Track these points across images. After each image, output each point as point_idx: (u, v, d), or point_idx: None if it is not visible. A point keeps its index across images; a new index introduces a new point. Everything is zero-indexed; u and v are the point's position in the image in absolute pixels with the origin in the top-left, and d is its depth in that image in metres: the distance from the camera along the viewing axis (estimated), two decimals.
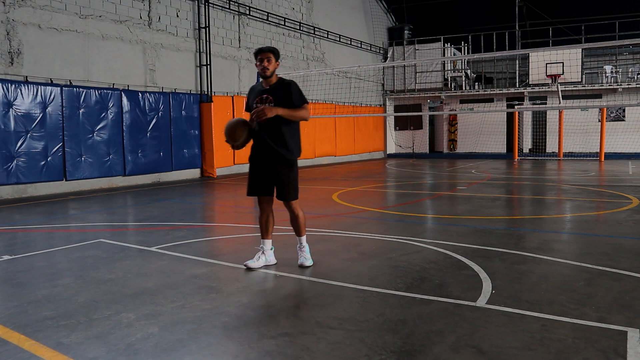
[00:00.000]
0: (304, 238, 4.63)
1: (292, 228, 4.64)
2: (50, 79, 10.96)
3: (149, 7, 13.14)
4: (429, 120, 24.62)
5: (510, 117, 21.95)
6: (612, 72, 20.55)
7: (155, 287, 4.00)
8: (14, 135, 10.18)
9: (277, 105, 4.30)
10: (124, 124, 12.33)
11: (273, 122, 4.30)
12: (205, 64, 14.54)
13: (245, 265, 4.48)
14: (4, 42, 10.19)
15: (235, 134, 4.31)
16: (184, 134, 13.95)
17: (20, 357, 2.79)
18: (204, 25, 14.51)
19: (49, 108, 10.76)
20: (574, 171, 14.88)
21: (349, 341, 2.92)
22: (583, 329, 3.03)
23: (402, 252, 5.10)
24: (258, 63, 4.40)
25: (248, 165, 4.60)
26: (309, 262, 4.55)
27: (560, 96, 14.68)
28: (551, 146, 21.91)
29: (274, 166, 4.41)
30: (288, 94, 4.36)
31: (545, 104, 21.75)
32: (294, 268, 4.52)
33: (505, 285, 3.91)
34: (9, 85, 10.10)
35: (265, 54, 4.38)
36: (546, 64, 19.74)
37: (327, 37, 20.23)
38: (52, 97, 10.81)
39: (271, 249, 4.63)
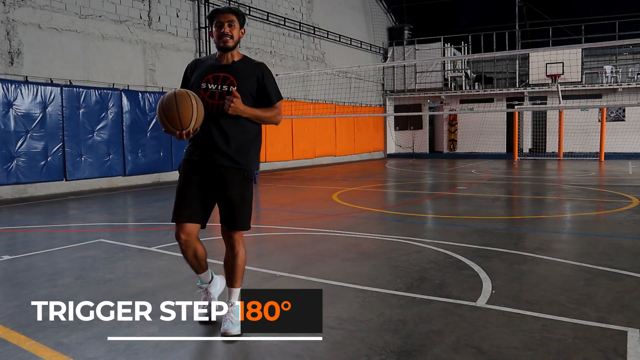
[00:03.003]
0: (237, 291, 3.15)
1: (228, 266, 3.21)
2: (50, 79, 10.96)
3: (149, 7, 13.14)
4: (429, 120, 24.62)
5: (510, 117, 21.94)
6: (612, 72, 20.55)
7: (155, 287, 4.00)
8: (14, 135, 10.18)
9: (241, 91, 3.01)
10: (124, 124, 12.32)
11: (233, 115, 3.00)
12: None
13: (201, 321, 3.25)
14: (4, 42, 10.19)
15: (183, 114, 2.80)
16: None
17: (20, 357, 2.79)
18: (204, 25, 14.51)
19: (49, 108, 10.76)
20: (574, 171, 14.88)
21: (349, 341, 2.92)
22: (583, 329, 3.03)
23: (402, 252, 5.10)
24: (215, 29, 3.07)
25: (179, 174, 3.21)
26: (236, 329, 3.01)
27: (560, 96, 14.72)
28: (551, 146, 21.90)
29: (224, 179, 3.04)
30: (261, 85, 3.10)
31: (545, 104, 21.74)
32: (293, 268, 4.52)
33: (505, 285, 3.90)
34: (9, 85, 10.09)
35: (227, 16, 3.05)
36: (546, 64, 19.73)
37: (327, 37, 20.22)
38: (52, 97, 10.81)
39: (211, 280, 3.34)
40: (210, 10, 14.49)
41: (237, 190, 3.06)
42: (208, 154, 3.05)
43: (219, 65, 3.12)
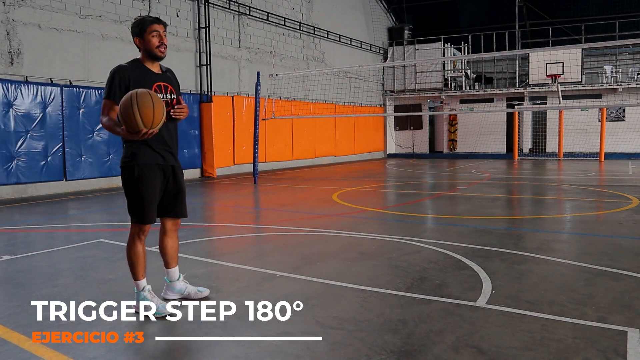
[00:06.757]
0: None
1: (169, 255, 3.62)
2: (50, 79, 10.95)
3: (149, 7, 13.13)
4: (429, 120, 24.62)
5: (510, 117, 21.95)
6: (612, 72, 20.54)
7: (156, 287, 3.99)
8: (14, 135, 10.17)
9: (176, 97, 3.47)
10: None
11: (174, 122, 3.46)
12: (205, 64, 14.54)
13: (159, 316, 3.32)
14: (4, 42, 10.19)
15: (157, 110, 2.98)
16: (184, 134, 13.94)
17: (20, 357, 2.79)
18: (204, 25, 14.51)
19: (49, 108, 10.76)
20: (574, 171, 14.88)
21: (349, 341, 2.92)
22: (583, 329, 3.03)
23: (402, 252, 5.10)
24: (152, 38, 3.29)
25: (138, 178, 3.28)
26: (205, 291, 3.72)
27: (560, 96, 14.71)
28: (551, 146, 21.91)
29: (177, 177, 3.48)
30: (177, 87, 3.55)
31: (545, 104, 21.74)
32: (293, 268, 4.52)
33: (505, 285, 3.90)
34: (9, 85, 10.09)
35: (161, 27, 3.33)
36: (546, 64, 19.73)
37: (327, 37, 20.22)
38: (52, 97, 10.81)
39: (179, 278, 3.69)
40: (208, 10, 14.53)
41: (184, 184, 3.57)
42: (167, 157, 3.40)
43: (156, 74, 3.39)
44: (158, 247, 3.64)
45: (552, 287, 3.88)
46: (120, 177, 3.40)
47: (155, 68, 3.40)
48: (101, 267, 4.68)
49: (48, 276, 4.40)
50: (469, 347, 2.81)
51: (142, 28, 3.29)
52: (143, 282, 3.40)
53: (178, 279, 3.66)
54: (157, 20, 3.34)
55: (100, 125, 11.74)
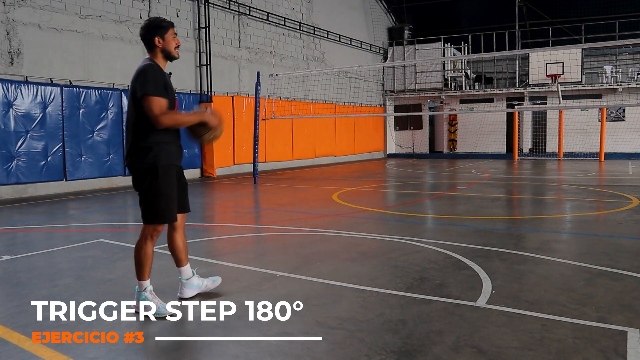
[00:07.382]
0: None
1: (181, 252, 3.66)
2: (50, 79, 10.95)
3: (149, 7, 13.14)
4: (429, 120, 24.62)
5: (510, 117, 21.95)
6: (612, 72, 20.54)
7: (156, 288, 3.99)
8: (14, 135, 10.17)
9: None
10: (124, 124, 12.31)
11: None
12: (205, 64, 14.54)
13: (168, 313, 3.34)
14: (4, 42, 10.19)
15: (208, 140, 3.62)
16: (184, 134, 13.91)
17: (20, 357, 2.79)
18: (204, 25, 14.51)
19: (49, 108, 10.76)
20: (574, 171, 14.88)
21: (349, 341, 2.92)
22: (583, 329, 3.03)
23: (402, 252, 5.10)
24: (172, 40, 3.49)
25: (162, 179, 3.35)
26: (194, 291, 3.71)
27: (560, 96, 14.70)
28: (551, 146, 21.90)
29: (182, 174, 3.65)
30: None
31: (545, 104, 21.74)
32: (293, 268, 4.52)
33: (505, 285, 3.90)
34: (9, 85, 10.09)
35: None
36: (546, 64, 19.73)
37: (327, 37, 20.22)
38: (52, 97, 10.81)
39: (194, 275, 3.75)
40: (208, 10, 14.53)
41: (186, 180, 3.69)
42: (180, 156, 3.58)
43: (167, 75, 3.49)
44: (167, 247, 3.65)
45: (552, 287, 3.88)
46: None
47: (165, 69, 3.51)
48: (101, 267, 4.68)
49: (48, 276, 4.40)
50: (469, 347, 2.81)
51: (164, 28, 3.43)
52: (147, 283, 3.43)
53: (193, 275, 3.71)
54: (173, 24, 3.56)
55: (101, 125, 11.73)
